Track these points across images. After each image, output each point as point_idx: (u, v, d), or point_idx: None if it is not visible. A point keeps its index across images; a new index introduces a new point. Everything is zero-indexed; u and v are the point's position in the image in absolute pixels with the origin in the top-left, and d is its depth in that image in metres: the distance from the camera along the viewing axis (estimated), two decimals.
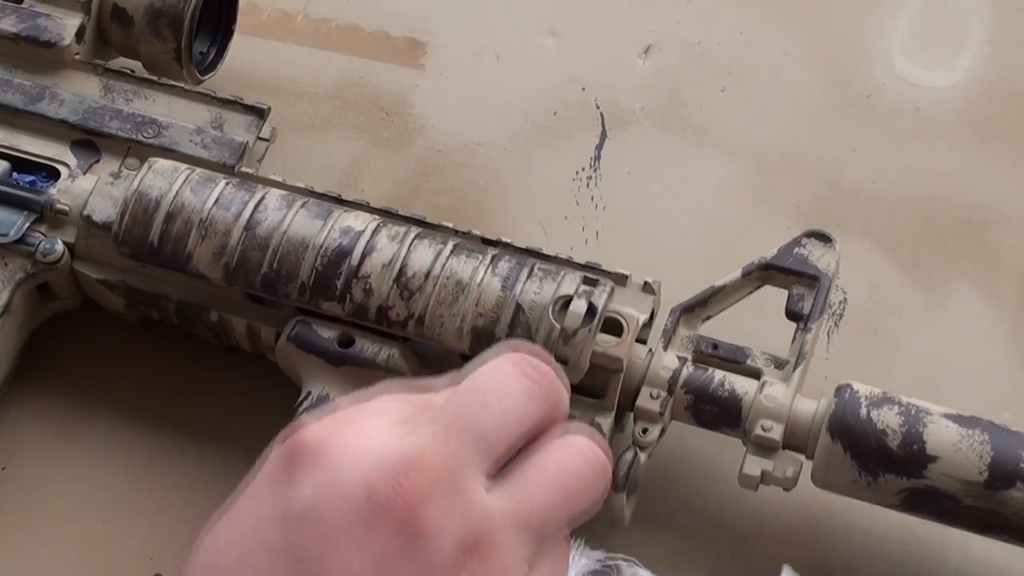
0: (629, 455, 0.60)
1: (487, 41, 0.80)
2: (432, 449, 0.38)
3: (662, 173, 0.76)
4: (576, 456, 0.41)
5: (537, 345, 0.43)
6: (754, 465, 0.60)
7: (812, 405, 0.61)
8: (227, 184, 0.64)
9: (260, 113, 0.69)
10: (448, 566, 0.37)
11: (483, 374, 0.41)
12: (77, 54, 0.70)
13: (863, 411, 0.59)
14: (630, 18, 0.81)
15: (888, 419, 0.59)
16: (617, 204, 0.74)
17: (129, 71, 0.70)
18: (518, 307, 0.60)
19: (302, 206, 0.63)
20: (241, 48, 0.75)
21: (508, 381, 0.40)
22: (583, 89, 0.79)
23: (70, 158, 0.68)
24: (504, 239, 0.64)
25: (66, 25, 0.70)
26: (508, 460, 0.40)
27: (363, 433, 0.38)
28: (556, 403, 0.41)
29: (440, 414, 0.39)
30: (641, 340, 0.62)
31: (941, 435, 0.58)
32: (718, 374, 0.62)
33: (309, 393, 0.62)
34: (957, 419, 0.59)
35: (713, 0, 0.82)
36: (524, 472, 0.40)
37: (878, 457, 0.58)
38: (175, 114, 0.69)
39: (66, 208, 0.66)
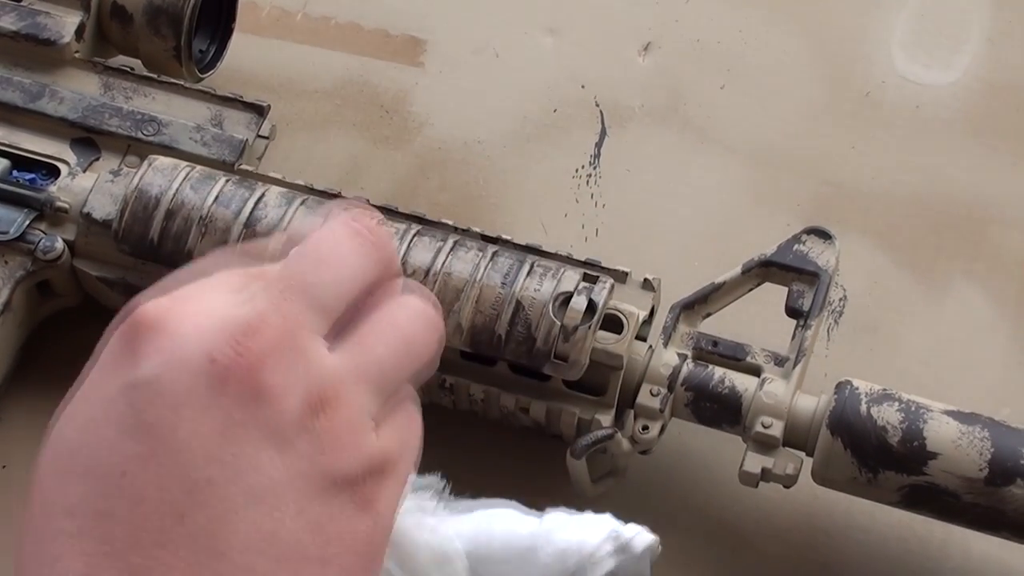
0: (605, 432, 0.60)
1: (486, 38, 0.80)
2: (269, 312, 0.39)
3: (662, 170, 0.76)
4: (409, 312, 0.42)
5: (363, 201, 0.44)
6: (754, 462, 0.60)
7: (812, 402, 0.61)
8: (227, 181, 0.64)
9: (260, 111, 0.69)
10: (294, 425, 0.38)
11: (315, 238, 0.41)
12: (77, 52, 0.70)
13: (863, 408, 0.59)
14: (630, 15, 0.81)
15: (888, 416, 0.59)
16: (617, 202, 0.74)
17: (129, 69, 0.70)
18: (518, 304, 0.60)
19: (302, 203, 0.63)
20: (241, 46, 0.75)
21: (340, 242, 0.41)
22: (583, 87, 0.78)
23: (70, 156, 0.68)
24: (504, 236, 0.64)
25: (66, 23, 0.69)
26: (346, 320, 0.41)
27: (201, 304, 0.39)
28: (388, 260, 0.42)
29: (276, 279, 0.40)
30: (641, 337, 0.62)
31: (941, 432, 0.58)
32: (718, 371, 0.62)
33: None
34: (957, 416, 0.59)
35: None
36: (362, 330, 0.41)
37: (878, 454, 0.58)
38: (175, 112, 0.69)
39: (66, 206, 0.66)
